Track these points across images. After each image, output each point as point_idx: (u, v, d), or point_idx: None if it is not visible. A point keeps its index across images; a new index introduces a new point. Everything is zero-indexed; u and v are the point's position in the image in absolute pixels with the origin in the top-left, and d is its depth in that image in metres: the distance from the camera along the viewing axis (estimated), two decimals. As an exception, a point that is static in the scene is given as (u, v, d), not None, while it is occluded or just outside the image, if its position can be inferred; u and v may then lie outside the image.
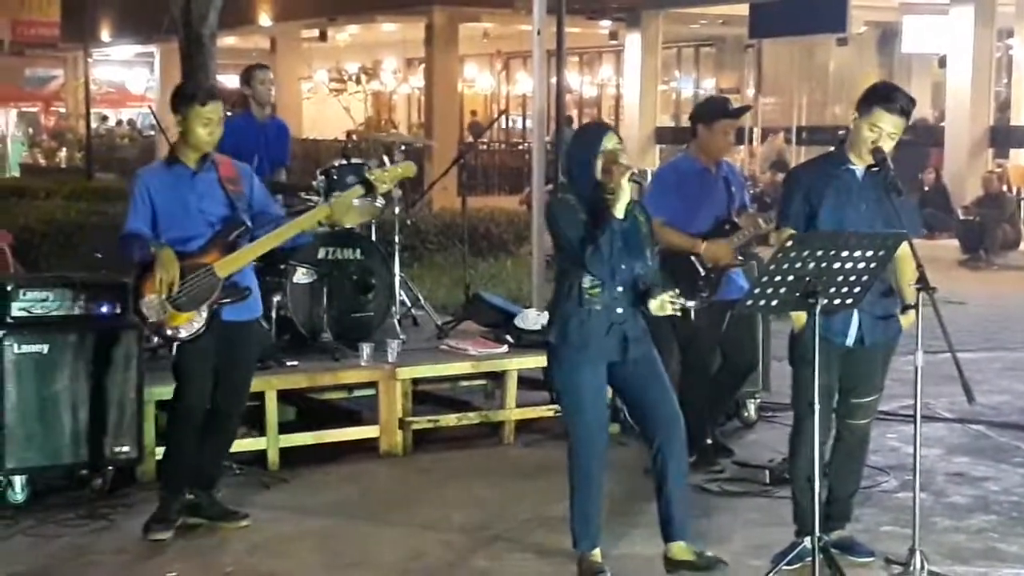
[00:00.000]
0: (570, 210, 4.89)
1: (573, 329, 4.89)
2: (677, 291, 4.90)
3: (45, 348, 5.84)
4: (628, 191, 4.81)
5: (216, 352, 5.50)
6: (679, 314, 4.94)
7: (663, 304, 4.86)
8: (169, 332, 5.42)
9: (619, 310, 4.91)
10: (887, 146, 4.91)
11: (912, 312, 4.73)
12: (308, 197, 7.71)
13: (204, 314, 5.39)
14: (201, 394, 5.51)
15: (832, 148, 5.20)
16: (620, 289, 4.91)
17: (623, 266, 4.88)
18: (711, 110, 6.61)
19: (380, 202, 7.91)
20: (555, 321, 4.95)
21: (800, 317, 4.89)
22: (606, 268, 4.83)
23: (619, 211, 4.80)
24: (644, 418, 5.08)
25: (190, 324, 5.39)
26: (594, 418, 4.98)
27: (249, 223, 5.50)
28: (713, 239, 6.40)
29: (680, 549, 5.04)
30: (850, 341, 5.03)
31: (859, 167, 4.99)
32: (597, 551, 5.07)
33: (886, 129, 4.90)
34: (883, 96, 4.95)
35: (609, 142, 4.90)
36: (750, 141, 21.47)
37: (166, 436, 5.77)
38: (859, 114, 4.95)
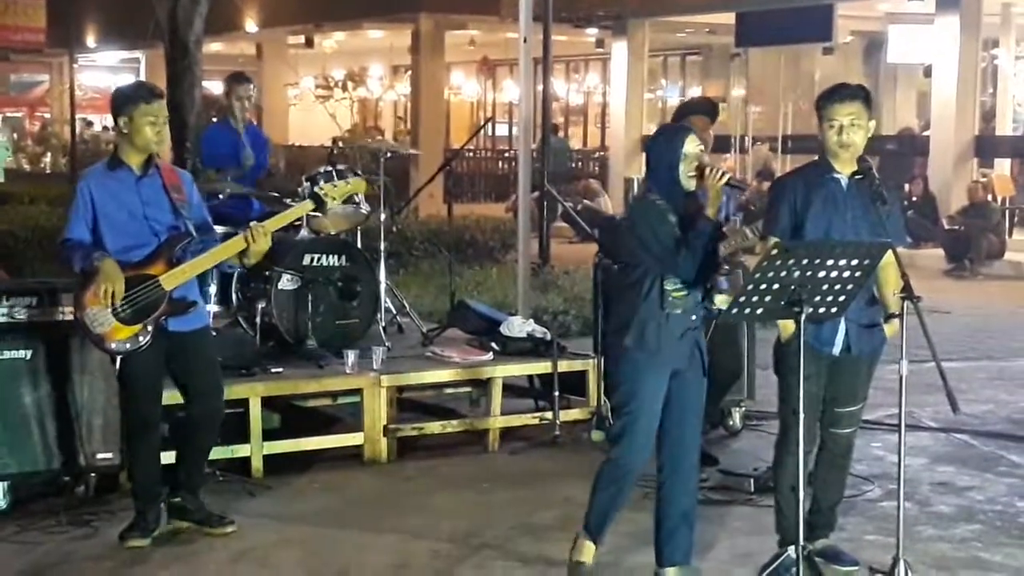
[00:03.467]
0: (659, 212, 4.77)
1: (651, 333, 4.78)
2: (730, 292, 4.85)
3: (27, 354, 5.82)
4: (721, 196, 4.75)
5: (170, 363, 5.45)
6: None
7: (726, 299, 4.79)
8: (113, 345, 5.31)
9: (694, 316, 4.84)
10: (856, 136, 4.93)
11: (896, 321, 4.74)
12: (292, 203, 7.69)
13: (150, 328, 5.29)
14: (151, 403, 5.45)
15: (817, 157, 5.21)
16: (699, 295, 4.85)
17: (703, 272, 4.81)
18: (681, 110, 6.67)
19: (365, 208, 7.92)
20: (631, 324, 4.80)
21: (788, 326, 4.88)
22: (696, 270, 4.74)
23: (712, 214, 4.74)
24: (663, 437, 4.94)
25: (135, 338, 5.29)
26: (647, 424, 4.86)
27: (194, 233, 5.40)
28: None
29: (676, 572, 4.99)
30: (836, 350, 5.03)
31: (843, 175, 5.00)
32: (593, 546, 5.01)
33: (842, 119, 4.93)
34: (828, 92, 5.03)
35: (690, 147, 4.79)
36: (741, 150, 21.51)
37: (125, 449, 5.74)
38: (819, 121, 5.01)
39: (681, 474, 4.92)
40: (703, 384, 4.94)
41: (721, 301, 4.85)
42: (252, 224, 5.50)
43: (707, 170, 4.76)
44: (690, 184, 4.79)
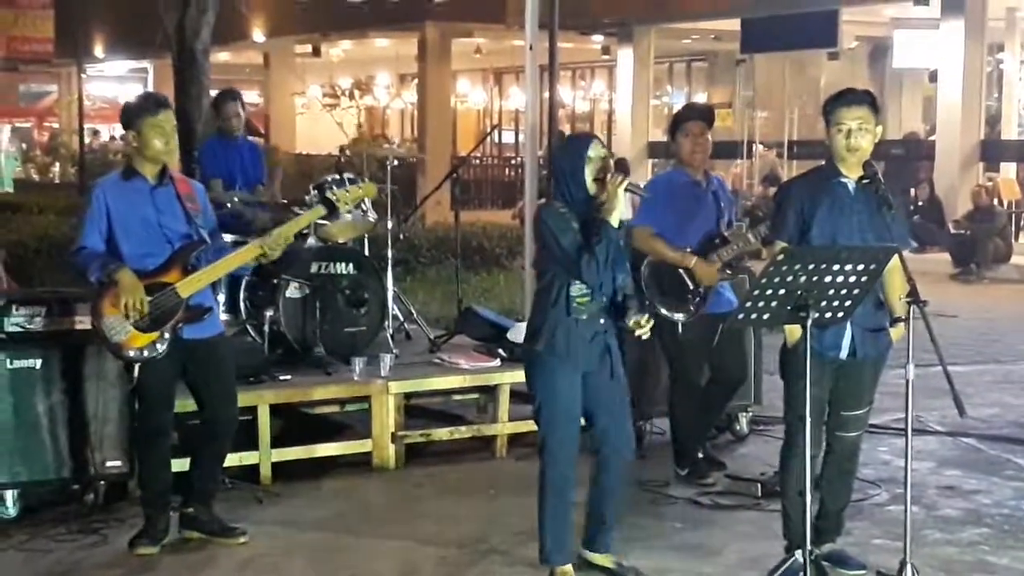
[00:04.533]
0: (562, 218, 4.91)
1: (560, 338, 4.92)
2: (649, 317, 4.94)
3: (38, 363, 5.85)
4: (622, 201, 4.86)
5: (185, 371, 5.48)
6: (645, 335, 4.96)
7: (636, 326, 4.91)
8: (131, 353, 5.34)
9: (602, 320, 4.98)
10: (863, 140, 4.95)
11: (902, 325, 4.75)
12: (300, 212, 7.72)
13: (167, 336, 5.33)
14: (163, 410, 5.49)
15: (823, 162, 5.22)
16: (604, 299, 4.97)
17: (610, 277, 4.94)
18: (677, 116, 6.70)
19: (372, 216, 7.96)
20: (542, 329, 4.95)
21: (793, 331, 4.92)
22: (599, 278, 4.87)
23: (615, 220, 4.85)
24: (600, 432, 5.11)
25: (152, 346, 5.32)
26: (571, 427, 5.01)
27: (208, 240, 5.45)
28: (703, 253, 6.42)
29: (601, 556, 5.14)
30: (843, 354, 5.05)
31: (850, 180, 5.02)
32: (570, 567, 5.07)
33: (849, 124, 4.95)
34: (835, 96, 5.07)
35: (594, 151, 4.95)
36: (748, 156, 21.52)
37: (137, 456, 5.77)
38: (826, 126, 5.03)
39: (618, 472, 5.07)
40: (621, 382, 5.07)
41: (631, 326, 4.91)
42: (271, 232, 5.54)
43: (608, 175, 4.88)
44: (593, 188, 4.92)
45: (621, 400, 5.08)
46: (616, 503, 5.15)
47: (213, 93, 11.64)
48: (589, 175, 4.93)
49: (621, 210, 4.87)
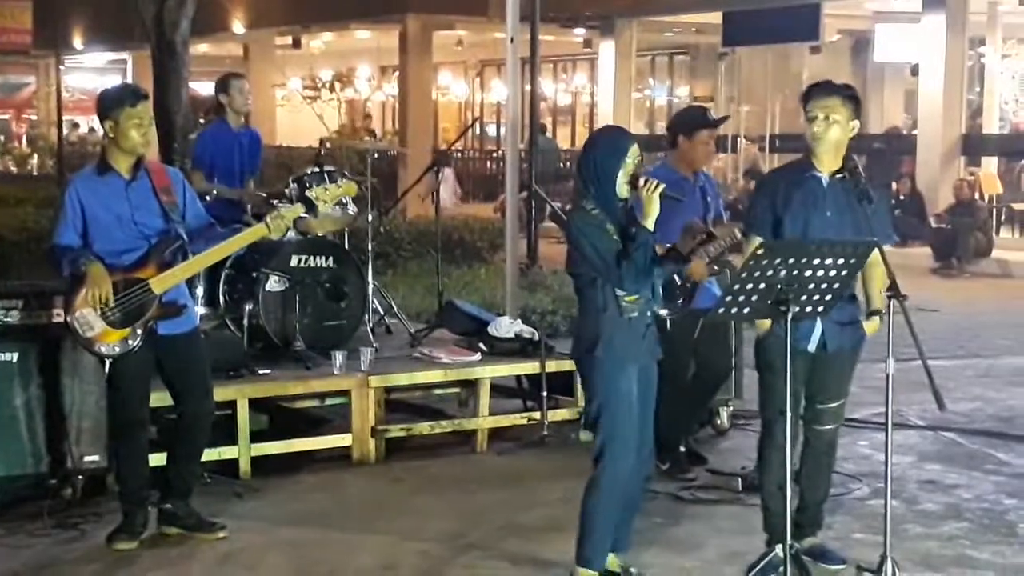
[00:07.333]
0: (597, 224, 4.81)
1: (618, 340, 4.83)
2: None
3: (14, 357, 5.81)
4: (657, 206, 4.76)
5: (161, 366, 5.45)
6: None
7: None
8: (103, 349, 5.30)
9: (649, 314, 4.92)
10: (834, 132, 4.95)
11: (877, 318, 4.75)
12: (280, 205, 7.67)
13: (140, 332, 5.28)
14: (139, 405, 5.45)
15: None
16: (649, 294, 4.91)
17: (651, 275, 4.88)
18: (691, 121, 6.62)
19: (353, 210, 7.91)
20: (598, 334, 4.83)
21: (764, 322, 4.91)
22: (640, 280, 4.80)
23: (651, 225, 4.77)
24: None
25: (125, 342, 5.28)
26: (632, 428, 4.89)
27: (184, 236, 5.39)
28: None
29: (611, 560, 5.03)
30: (812, 347, 5.04)
31: (824, 174, 5.02)
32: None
33: (819, 113, 4.95)
34: (810, 87, 5.09)
35: (632, 156, 4.83)
36: (734, 150, 21.53)
37: (112, 451, 5.73)
38: (804, 119, 5.02)
39: (640, 461, 4.97)
40: (656, 372, 5.03)
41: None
42: (272, 213, 5.48)
43: (640, 180, 4.79)
44: (624, 192, 4.83)
45: (651, 406, 5.01)
46: (634, 509, 5.05)
47: (193, 85, 11.56)
48: (623, 178, 4.81)
49: (656, 214, 4.77)
